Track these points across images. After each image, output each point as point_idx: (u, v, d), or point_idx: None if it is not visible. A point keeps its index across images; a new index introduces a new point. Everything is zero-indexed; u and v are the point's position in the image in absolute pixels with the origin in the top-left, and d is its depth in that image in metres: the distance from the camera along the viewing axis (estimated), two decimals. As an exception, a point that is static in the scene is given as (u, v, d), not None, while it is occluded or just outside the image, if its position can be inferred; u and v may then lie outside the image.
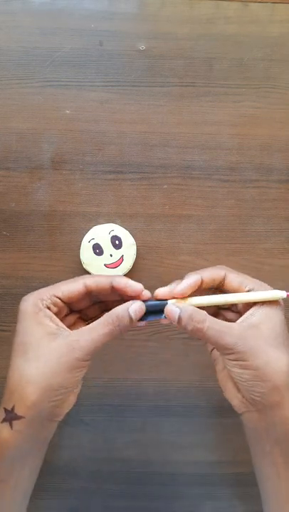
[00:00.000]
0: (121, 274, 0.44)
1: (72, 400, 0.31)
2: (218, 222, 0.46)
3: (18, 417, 0.27)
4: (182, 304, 0.31)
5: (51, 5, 0.45)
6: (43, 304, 0.30)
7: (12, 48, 0.45)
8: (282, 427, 0.30)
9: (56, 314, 0.31)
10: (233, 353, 0.29)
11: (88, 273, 0.45)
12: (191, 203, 0.46)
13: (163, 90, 0.45)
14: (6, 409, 0.28)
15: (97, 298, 0.33)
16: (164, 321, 0.32)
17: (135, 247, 0.45)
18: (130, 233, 0.45)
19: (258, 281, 0.33)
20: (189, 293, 0.31)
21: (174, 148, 0.46)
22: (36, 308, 0.29)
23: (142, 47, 0.45)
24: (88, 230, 0.45)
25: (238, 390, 0.31)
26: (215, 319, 0.30)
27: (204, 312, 0.30)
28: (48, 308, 0.30)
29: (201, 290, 0.32)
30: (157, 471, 0.48)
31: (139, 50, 0.45)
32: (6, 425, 0.28)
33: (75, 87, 0.45)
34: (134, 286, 0.31)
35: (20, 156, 0.45)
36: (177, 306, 0.30)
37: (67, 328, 0.30)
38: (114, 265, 0.44)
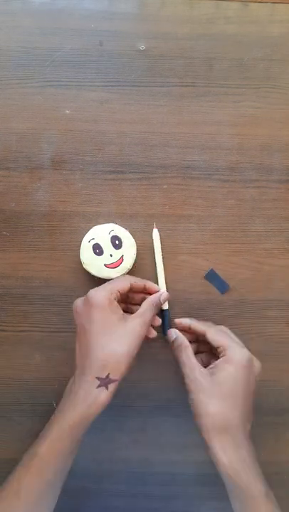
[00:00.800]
0: (121, 274, 0.44)
1: None
2: (218, 222, 0.46)
3: (113, 381, 0.37)
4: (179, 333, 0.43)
5: (51, 5, 0.45)
6: (113, 298, 0.39)
7: (12, 48, 0.45)
8: (218, 465, 0.37)
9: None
10: (190, 391, 0.39)
11: (88, 273, 0.45)
12: (191, 203, 0.46)
13: (163, 90, 0.45)
14: (99, 378, 0.37)
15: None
16: (151, 336, 0.42)
17: (135, 247, 0.45)
18: (130, 233, 0.45)
19: (235, 338, 0.42)
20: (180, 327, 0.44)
21: (174, 148, 0.46)
22: (108, 301, 0.38)
23: (142, 47, 0.45)
24: (88, 230, 0.45)
25: None
26: (192, 358, 0.41)
27: (188, 344, 0.42)
28: (115, 300, 0.39)
29: (189, 333, 0.44)
30: (157, 471, 0.48)
31: (139, 50, 0.45)
32: (102, 389, 0.37)
33: (75, 87, 0.45)
34: (156, 287, 0.44)
35: (21, 156, 0.45)
36: (176, 333, 0.43)
37: (126, 314, 0.40)
38: (114, 265, 0.44)
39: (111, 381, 0.37)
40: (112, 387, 0.37)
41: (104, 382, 0.37)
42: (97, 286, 0.46)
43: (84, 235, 0.45)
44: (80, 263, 0.45)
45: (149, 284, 0.43)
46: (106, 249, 0.44)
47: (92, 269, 0.44)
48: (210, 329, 0.42)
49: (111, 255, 0.44)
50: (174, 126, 0.46)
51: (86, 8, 0.45)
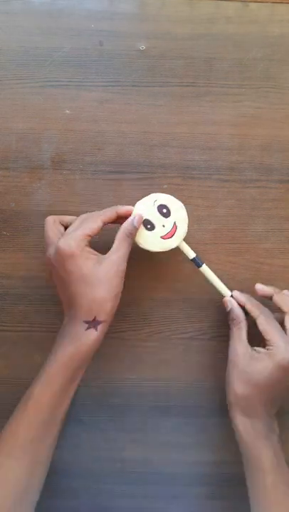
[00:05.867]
0: (180, 240, 0.42)
1: None
2: (218, 222, 0.46)
3: (100, 322, 0.38)
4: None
5: (51, 5, 0.45)
6: (84, 244, 0.38)
7: (12, 48, 0.45)
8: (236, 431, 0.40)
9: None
10: (230, 361, 0.42)
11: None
12: (191, 203, 0.46)
13: (163, 90, 0.45)
14: (86, 321, 0.38)
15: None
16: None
17: (184, 209, 0.42)
18: None
19: (283, 332, 0.41)
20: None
21: (174, 148, 0.46)
22: (80, 249, 0.38)
23: (142, 47, 0.45)
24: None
25: None
26: (243, 334, 0.42)
27: (242, 319, 0.43)
28: (86, 245, 0.39)
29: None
30: (157, 471, 0.48)
31: (139, 50, 0.45)
32: (91, 331, 0.38)
33: (75, 87, 0.45)
34: (127, 207, 0.41)
35: (20, 156, 0.45)
36: (231, 304, 0.43)
37: (100, 254, 0.39)
38: (170, 234, 0.41)
39: (99, 322, 0.38)
40: (101, 327, 0.38)
41: (93, 324, 0.38)
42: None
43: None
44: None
45: (121, 210, 0.41)
46: (156, 221, 0.41)
47: (151, 247, 0.42)
48: (260, 316, 0.41)
49: (163, 226, 0.41)
50: (174, 126, 0.46)
51: (86, 8, 0.45)
